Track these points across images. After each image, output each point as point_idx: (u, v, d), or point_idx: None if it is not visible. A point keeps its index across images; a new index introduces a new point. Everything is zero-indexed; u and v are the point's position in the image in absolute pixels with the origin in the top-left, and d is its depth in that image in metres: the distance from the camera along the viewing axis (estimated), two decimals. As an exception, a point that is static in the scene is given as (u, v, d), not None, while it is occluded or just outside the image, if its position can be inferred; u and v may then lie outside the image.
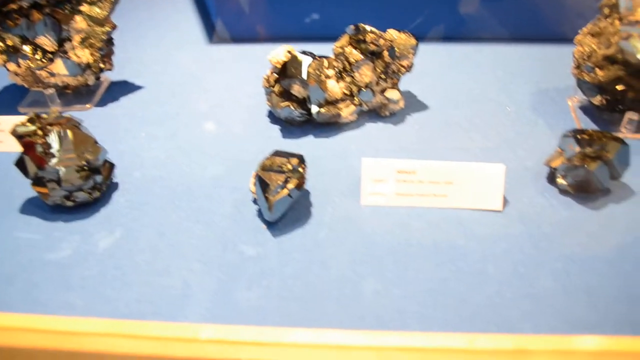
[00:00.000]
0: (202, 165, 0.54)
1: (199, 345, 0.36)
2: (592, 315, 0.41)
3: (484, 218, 0.48)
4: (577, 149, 0.48)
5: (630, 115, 0.55)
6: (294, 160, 0.48)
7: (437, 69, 0.67)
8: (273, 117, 0.60)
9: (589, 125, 0.57)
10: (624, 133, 0.56)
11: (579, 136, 0.49)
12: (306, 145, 0.56)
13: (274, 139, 0.57)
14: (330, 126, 0.57)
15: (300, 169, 0.48)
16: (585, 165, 0.48)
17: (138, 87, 0.67)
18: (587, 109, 0.59)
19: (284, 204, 0.47)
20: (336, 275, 0.44)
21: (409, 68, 0.57)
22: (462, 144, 0.56)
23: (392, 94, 0.57)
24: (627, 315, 0.41)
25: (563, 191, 0.50)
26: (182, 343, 0.36)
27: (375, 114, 0.59)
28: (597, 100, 0.56)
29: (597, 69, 0.54)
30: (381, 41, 0.55)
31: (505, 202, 0.49)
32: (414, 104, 0.61)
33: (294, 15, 0.68)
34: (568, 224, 0.47)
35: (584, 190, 0.49)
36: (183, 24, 0.81)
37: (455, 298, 0.42)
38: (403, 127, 0.58)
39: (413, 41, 0.56)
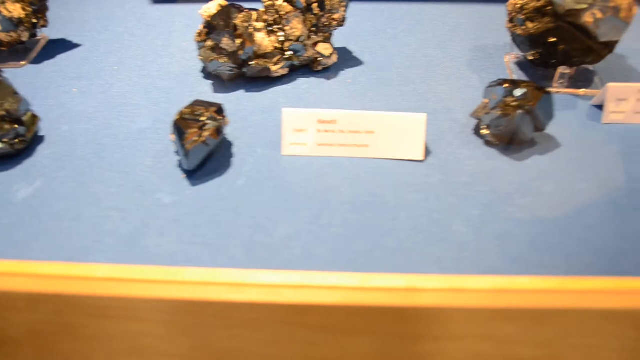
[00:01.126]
0: (130, 119, 0.55)
1: (95, 283, 0.36)
2: (503, 261, 0.41)
3: (404, 167, 0.48)
4: (500, 98, 0.49)
5: (562, 69, 0.56)
6: (212, 109, 0.48)
7: (379, 26, 0.67)
8: (206, 73, 0.60)
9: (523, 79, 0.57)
10: (557, 88, 0.56)
11: (502, 85, 0.49)
12: (235, 99, 0.56)
13: (204, 93, 0.57)
14: (261, 80, 0.58)
15: (219, 118, 0.48)
16: (507, 114, 0.48)
17: (76, 45, 0.67)
18: (523, 65, 0.60)
19: (200, 151, 0.47)
20: (249, 222, 0.44)
21: (340, 21, 0.57)
22: (392, 98, 0.56)
23: (323, 47, 0.57)
24: (538, 261, 0.41)
25: (488, 142, 0.50)
26: (80, 281, 0.36)
27: (308, 68, 0.59)
28: (530, 54, 0.56)
29: (528, 22, 0.54)
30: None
31: (429, 153, 0.50)
32: (349, 59, 0.61)
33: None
34: (488, 174, 0.48)
35: (508, 141, 0.50)
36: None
37: (366, 243, 0.42)
38: (335, 82, 0.58)
39: (343, -5, 0.56)
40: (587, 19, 0.51)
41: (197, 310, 0.35)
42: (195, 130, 0.46)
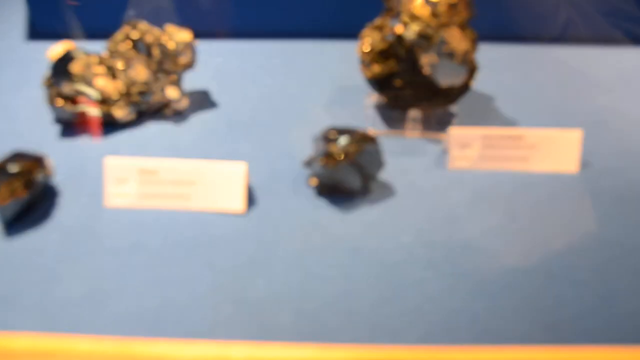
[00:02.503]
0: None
1: None
2: (298, 318, 0.41)
3: (223, 220, 0.47)
4: (325, 147, 0.48)
5: (412, 113, 0.55)
6: (29, 163, 0.48)
7: (245, 66, 0.66)
8: (57, 118, 0.59)
9: (377, 124, 0.57)
10: (410, 132, 0.56)
11: (328, 134, 0.49)
12: (76, 147, 0.55)
13: (48, 142, 0.56)
14: (108, 126, 0.57)
15: (39, 169, 0.48)
16: (330, 164, 0.47)
17: None
18: (383, 107, 0.58)
19: (13, 205, 0.47)
20: (39, 277, 0.44)
21: (188, 65, 0.57)
22: (238, 143, 0.55)
23: (171, 92, 0.57)
24: (340, 321, 0.41)
25: (320, 192, 0.50)
26: None
27: (159, 113, 0.59)
28: (381, 97, 0.56)
29: (374, 64, 0.53)
30: (149, 37, 0.55)
31: (254, 203, 0.49)
32: (205, 102, 0.61)
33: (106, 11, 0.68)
34: (308, 227, 0.47)
35: (337, 191, 0.49)
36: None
37: (163, 298, 0.42)
38: (184, 127, 0.57)
39: (188, 37, 0.55)
40: (424, 63, 0.51)
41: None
42: (7, 183, 0.46)
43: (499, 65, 0.67)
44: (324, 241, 0.46)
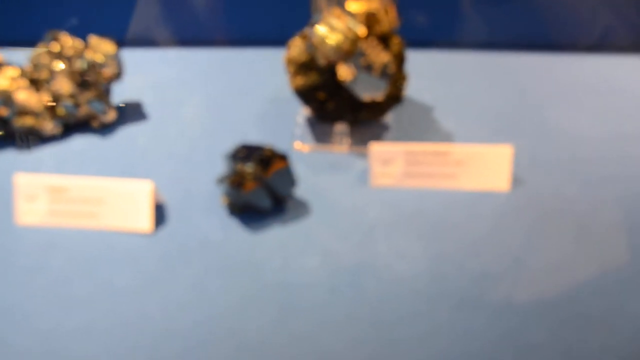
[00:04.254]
0: None
1: None
2: (180, 340, 0.40)
3: (129, 239, 0.48)
4: (234, 167, 0.48)
5: (339, 127, 0.54)
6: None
7: (183, 75, 0.67)
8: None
9: (306, 138, 0.56)
10: (337, 147, 0.55)
11: (238, 153, 0.48)
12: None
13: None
14: (36, 140, 0.58)
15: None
16: (239, 185, 0.47)
17: None
18: (314, 121, 0.58)
19: None
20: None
21: (114, 77, 0.57)
22: (161, 159, 0.55)
23: (96, 104, 0.57)
24: (214, 345, 0.40)
25: (232, 211, 0.49)
26: None
27: (87, 125, 0.59)
28: (306, 110, 0.55)
29: (297, 76, 0.53)
30: (70, 49, 0.55)
31: (165, 222, 0.49)
32: (135, 114, 0.61)
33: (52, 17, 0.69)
34: (215, 245, 0.47)
35: (249, 210, 0.49)
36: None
37: (60, 319, 0.42)
38: (110, 140, 0.58)
39: (111, 49, 0.56)
40: (343, 75, 0.50)
41: None
42: None
43: (445, 73, 0.66)
44: (227, 262, 0.46)
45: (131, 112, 0.61)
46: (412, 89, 0.61)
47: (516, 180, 0.51)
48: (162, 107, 0.62)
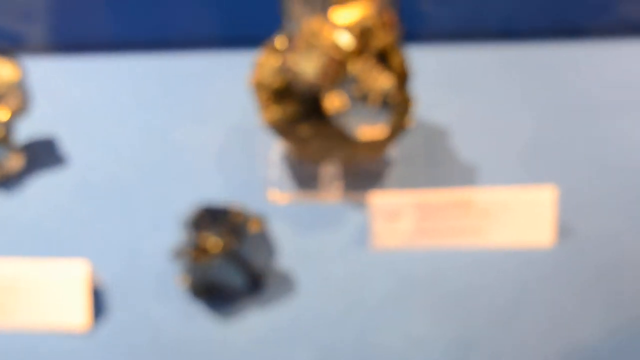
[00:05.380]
0: None
1: None
2: None
3: (61, 341, 0.51)
4: (194, 236, 0.52)
5: (327, 169, 0.59)
6: None
7: (103, 97, 0.70)
8: None
9: (283, 183, 0.60)
10: (325, 194, 0.59)
11: (197, 218, 0.52)
12: None
13: None
14: None
15: None
16: (200, 260, 0.51)
17: None
18: (292, 159, 0.62)
19: None
20: None
21: (18, 111, 0.60)
22: (87, 221, 0.59)
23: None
24: None
25: (194, 294, 0.53)
26: None
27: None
28: (282, 146, 0.60)
29: (271, 106, 0.57)
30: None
31: (106, 310, 0.53)
32: (47, 158, 0.64)
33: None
34: (177, 343, 0.51)
35: (216, 292, 0.53)
36: None
37: None
38: (18, 197, 0.61)
39: (13, 75, 0.59)
40: (329, 107, 0.54)
41: None
42: None
43: (459, 78, 0.71)
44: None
45: (42, 154, 0.65)
46: (419, 104, 0.65)
47: (563, 231, 0.56)
48: (83, 144, 0.66)
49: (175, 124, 0.67)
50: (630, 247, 0.56)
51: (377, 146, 0.58)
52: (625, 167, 0.62)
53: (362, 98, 0.54)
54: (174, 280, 0.54)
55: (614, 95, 0.69)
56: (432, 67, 0.70)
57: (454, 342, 0.51)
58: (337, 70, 0.53)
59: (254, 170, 0.62)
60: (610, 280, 0.54)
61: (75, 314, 0.52)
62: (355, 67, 0.53)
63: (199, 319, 0.52)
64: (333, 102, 0.54)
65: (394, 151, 0.62)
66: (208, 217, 0.52)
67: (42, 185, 0.62)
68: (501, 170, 0.62)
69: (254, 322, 0.52)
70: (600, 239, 0.57)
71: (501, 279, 0.54)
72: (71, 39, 0.73)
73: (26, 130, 0.65)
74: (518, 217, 0.55)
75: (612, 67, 0.72)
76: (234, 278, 0.52)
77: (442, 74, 0.71)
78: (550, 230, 0.56)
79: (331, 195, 0.59)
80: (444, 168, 0.62)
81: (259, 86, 0.58)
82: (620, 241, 0.56)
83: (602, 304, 0.53)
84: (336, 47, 0.53)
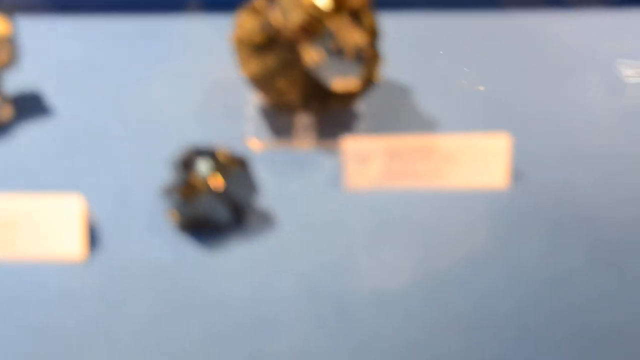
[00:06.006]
0: None
1: None
2: None
3: (57, 271, 0.55)
4: (183, 175, 0.56)
5: (302, 119, 0.64)
6: None
7: (89, 55, 0.74)
8: None
9: (261, 133, 0.66)
10: (300, 142, 0.65)
11: (186, 158, 0.57)
12: None
13: None
14: None
15: None
16: (189, 196, 0.56)
17: None
18: (269, 111, 0.67)
19: None
20: None
21: (8, 64, 0.64)
22: (76, 166, 0.63)
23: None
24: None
25: (182, 228, 0.58)
26: None
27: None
28: (259, 99, 0.65)
29: (250, 60, 0.62)
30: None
31: (98, 244, 0.57)
32: (36, 110, 0.68)
33: None
34: (168, 272, 0.55)
35: (203, 226, 0.58)
36: None
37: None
38: (8, 145, 0.65)
39: (3, 29, 0.62)
40: (308, 60, 0.60)
41: None
42: None
43: (424, 44, 0.77)
44: (185, 292, 0.54)
45: (31, 106, 0.69)
46: (387, 66, 0.70)
47: (516, 175, 0.63)
48: (72, 99, 0.70)
49: (158, 80, 0.72)
50: (574, 192, 0.62)
51: (349, 98, 0.63)
52: (573, 123, 0.69)
53: (337, 52, 0.59)
54: (163, 216, 0.59)
55: (563, 60, 0.76)
56: (399, 31, 0.75)
57: (420, 270, 0.56)
58: (315, 27, 0.59)
59: (233, 122, 0.67)
60: (555, 220, 0.60)
61: (71, 245, 0.56)
62: (332, 24, 0.59)
63: (187, 251, 0.57)
64: (311, 55, 0.60)
65: (364, 103, 0.67)
66: (195, 156, 0.57)
67: (31, 135, 0.66)
68: (462, 122, 0.68)
69: (238, 253, 0.57)
70: (549, 183, 0.63)
71: (460, 217, 0.60)
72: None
73: (15, 85, 0.68)
74: (476, 161, 0.61)
75: (564, 34, 0.79)
76: (219, 213, 0.57)
77: (408, 37, 0.77)
78: (505, 174, 0.62)
79: (306, 143, 0.65)
80: (409, 119, 0.68)
81: (240, 42, 0.63)
82: (566, 186, 0.63)
83: (548, 240, 0.59)
84: (314, 6, 0.59)
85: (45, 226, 0.56)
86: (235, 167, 0.56)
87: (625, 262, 0.57)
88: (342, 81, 0.60)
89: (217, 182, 0.55)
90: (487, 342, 0.52)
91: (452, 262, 0.57)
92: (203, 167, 0.56)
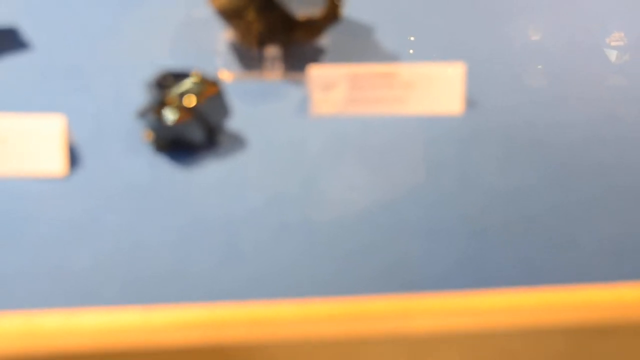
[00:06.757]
0: None
1: None
2: (118, 290, 0.53)
3: (40, 186, 0.59)
4: (159, 96, 0.60)
5: (270, 51, 0.68)
6: None
7: None
8: None
9: (230, 64, 0.70)
10: (268, 73, 0.69)
11: (161, 80, 0.61)
12: None
13: None
14: None
15: None
16: (162, 117, 0.60)
17: None
18: (238, 44, 0.71)
19: None
20: None
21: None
22: (53, 94, 0.67)
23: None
24: (158, 289, 0.53)
25: (158, 148, 0.62)
26: None
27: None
28: (227, 33, 0.69)
29: (218, -6, 0.66)
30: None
31: (79, 163, 0.61)
32: (11, 43, 0.72)
33: None
34: (144, 187, 0.59)
35: (177, 146, 0.61)
36: None
37: None
38: None
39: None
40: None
41: None
42: None
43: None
44: (160, 204, 0.58)
45: (8, 41, 0.72)
46: (349, 5, 0.75)
47: (470, 102, 0.68)
48: (47, 33, 0.73)
49: (124, 17, 0.76)
50: (524, 117, 0.67)
51: (315, 30, 0.67)
52: (524, 52, 0.75)
53: (303, -19, 0.63)
54: (138, 137, 0.63)
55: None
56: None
57: (384, 188, 0.61)
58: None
59: (205, 57, 0.71)
60: (507, 142, 0.65)
61: (54, 162, 0.59)
62: (297, -46, 0.63)
63: (163, 168, 0.61)
64: (277, -15, 0.64)
65: (328, 38, 0.72)
66: (170, 78, 0.61)
67: (6, 63, 0.70)
68: (419, 54, 0.73)
69: (211, 171, 0.61)
70: (500, 109, 0.68)
71: (419, 140, 0.65)
72: None
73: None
74: (433, 89, 0.66)
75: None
76: (193, 133, 0.60)
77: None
78: (460, 100, 0.66)
79: (274, 74, 0.69)
80: (369, 54, 0.72)
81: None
82: (516, 111, 0.68)
83: (500, 160, 0.64)
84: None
85: (29, 143, 0.59)
86: (208, 89, 0.60)
87: (571, 179, 0.63)
88: (307, 9, 0.64)
89: (191, 101, 0.59)
90: (444, 248, 0.57)
91: (411, 180, 0.62)
92: (180, 87, 0.60)
